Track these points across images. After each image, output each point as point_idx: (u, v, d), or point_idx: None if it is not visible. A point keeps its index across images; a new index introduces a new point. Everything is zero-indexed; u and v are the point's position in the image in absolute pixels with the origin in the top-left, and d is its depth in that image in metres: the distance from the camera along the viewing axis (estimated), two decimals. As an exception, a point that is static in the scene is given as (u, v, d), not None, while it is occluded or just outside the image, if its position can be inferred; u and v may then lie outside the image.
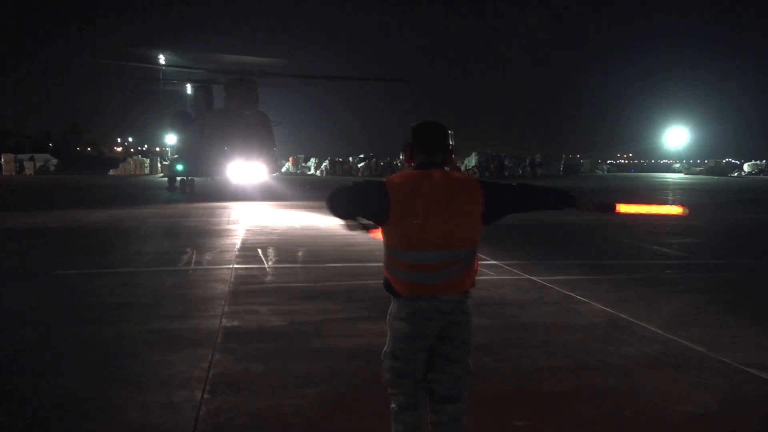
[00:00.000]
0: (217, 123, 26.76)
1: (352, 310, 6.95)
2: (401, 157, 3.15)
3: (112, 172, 64.67)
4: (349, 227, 3.12)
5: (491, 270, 9.34)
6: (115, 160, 79.55)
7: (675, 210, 3.83)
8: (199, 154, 27.47)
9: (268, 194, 25.61)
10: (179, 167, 29.79)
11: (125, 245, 12.23)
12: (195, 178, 29.40)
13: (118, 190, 32.63)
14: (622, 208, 3.43)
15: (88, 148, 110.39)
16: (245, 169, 25.80)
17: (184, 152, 30.36)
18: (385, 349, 3.05)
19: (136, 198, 26.59)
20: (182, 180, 29.20)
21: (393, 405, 3.05)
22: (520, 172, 62.36)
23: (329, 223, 14.63)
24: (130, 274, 9.22)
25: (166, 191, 30.35)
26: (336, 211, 3.03)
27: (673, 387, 4.67)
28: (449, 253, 2.88)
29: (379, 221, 2.94)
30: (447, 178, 2.92)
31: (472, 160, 65.31)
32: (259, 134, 26.13)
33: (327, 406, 4.29)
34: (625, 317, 6.67)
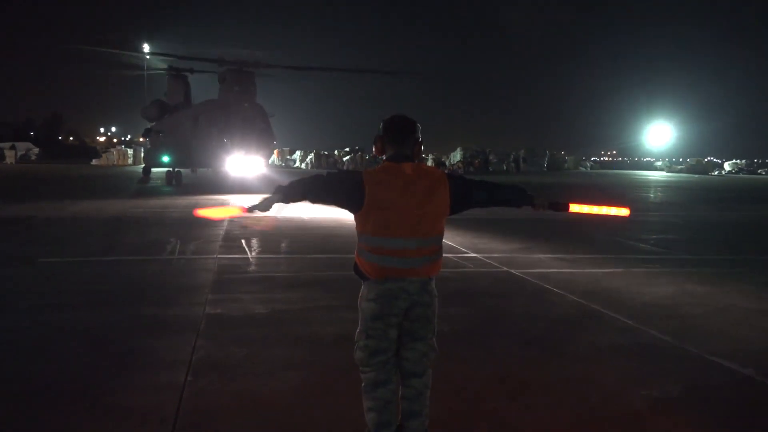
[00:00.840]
0: (215, 114, 26.34)
1: (333, 299, 7.10)
2: (373, 150, 3.35)
3: (95, 162, 64.15)
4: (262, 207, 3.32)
5: (471, 262, 9.53)
6: (97, 150, 78.76)
7: (621, 212, 4.01)
8: (192, 146, 27.08)
9: (271, 186, 25.54)
10: (165, 158, 29.14)
11: (120, 237, 12.26)
12: (181, 170, 29.15)
13: (105, 181, 32.36)
14: (574, 207, 3.60)
15: (70, 138, 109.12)
16: (245, 161, 25.59)
17: (169, 143, 29.64)
18: (357, 330, 3.28)
19: (125, 190, 25.95)
20: (169, 172, 28.89)
21: (364, 384, 3.26)
22: (505, 167, 62.81)
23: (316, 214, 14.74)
24: (118, 262, 9.30)
25: (137, 183, 29.77)
26: (291, 193, 3.24)
27: (638, 374, 4.88)
28: (418, 241, 3.12)
29: (353, 208, 3.15)
30: (417, 170, 3.16)
31: (456, 156, 65.63)
32: (261, 127, 25.90)
33: (308, 389, 4.44)
34: (597, 308, 6.89)
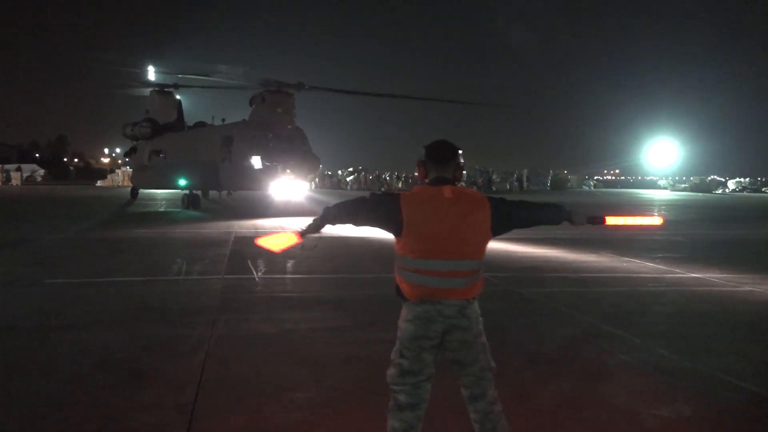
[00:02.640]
0: (257, 136, 24.70)
1: (340, 320, 7.10)
2: (416, 173, 3.42)
3: (100, 183, 64.40)
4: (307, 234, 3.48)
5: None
6: (103, 171, 79.14)
7: (654, 221, 4.16)
8: (225, 168, 25.41)
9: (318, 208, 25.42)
10: (180, 181, 27.71)
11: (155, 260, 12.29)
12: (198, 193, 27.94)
13: (120, 205, 31.82)
14: (610, 220, 3.77)
15: (75, 159, 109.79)
16: (291, 184, 24.28)
17: (179, 164, 27.98)
18: (394, 348, 3.28)
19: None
20: (186, 195, 27.37)
21: (392, 402, 3.22)
22: (508, 187, 62.84)
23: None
24: (127, 283, 9.32)
25: (125, 205, 28.95)
26: (349, 220, 3.33)
27: (649, 392, 4.86)
28: (456, 263, 3.15)
29: (392, 230, 3.22)
30: (457, 193, 3.21)
31: (460, 175, 65.74)
32: (305, 149, 24.98)
33: (315, 410, 4.44)
34: (608, 328, 6.87)
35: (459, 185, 3.28)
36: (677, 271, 11.18)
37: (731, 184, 74.95)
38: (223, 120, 28.48)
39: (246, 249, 13.21)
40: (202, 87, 32.83)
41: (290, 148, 24.48)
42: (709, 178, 77.23)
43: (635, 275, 10.65)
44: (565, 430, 4.18)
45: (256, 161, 24.40)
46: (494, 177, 65.14)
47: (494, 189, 60.19)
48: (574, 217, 3.52)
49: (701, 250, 14.53)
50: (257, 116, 25.81)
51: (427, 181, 3.31)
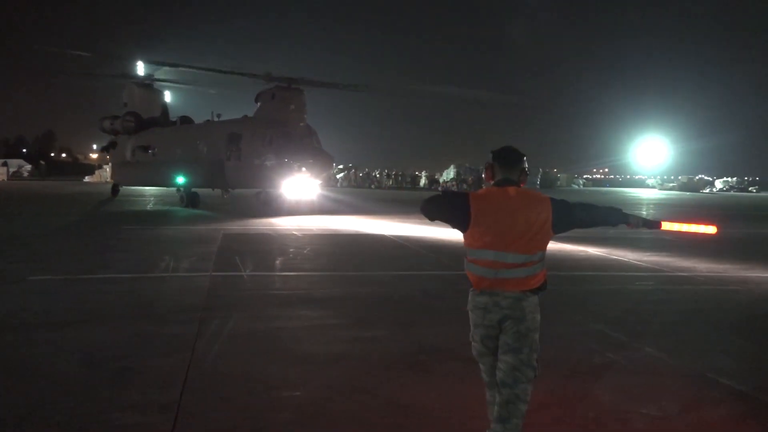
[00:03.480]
0: (269, 133, 23.82)
1: (328, 318, 7.07)
2: (483, 175, 3.71)
3: (87, 178, 63.91)
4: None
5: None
6: (91, 167, 78.49)
7: (709, 230, 4.15)
8: (233, 166, 24.60)
9: (348, 207, 25.78)
10: (178, 178, 26.54)
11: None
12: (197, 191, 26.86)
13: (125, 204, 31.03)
14: (666, 225, 3.94)
15: (63, 155, 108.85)
16: (305, 182, 23.68)
17: (176, 161, 26.82)
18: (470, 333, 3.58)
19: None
20: (184, 193, 26.48)
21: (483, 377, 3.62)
22: (498, 185, 62.96)
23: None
24: (111, 280, 9.22)
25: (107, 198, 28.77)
26: (427, 214, 3.60)
27: (635, 390, 4.86)
28: (517, 256, 3.37)
29: (461, 226, 3.48)
30: (520, 194, 3.48)
31: (450, 173, 65.85)
32: (318, 147, 24.37)
33: (304, 409, 4.40)
34: (599, 327, 6.87)
35: (521, 187, 3.55)
36: (665, 269, 11.24)
37: (718, 184, 75.63)
38: (219, 116, 27.66)
39: (236, 245, 13.14)
40: (183, 83, 32.14)
41: (304, 145, 23.86)
42: (697, 178, 77.89)
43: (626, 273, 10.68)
44: (551, 428, 4.16)
45: (269, 159, 23.60)
46: (484, 175, 65.28)
47: (483, 187, 60.30)
48: (631, 220, 3.72)
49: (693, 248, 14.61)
50: (267, 113, 24.82)
51: (492, 183, 3.61)
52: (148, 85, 31.82)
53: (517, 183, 3.55)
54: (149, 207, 26.98)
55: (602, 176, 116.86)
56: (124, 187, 32.56)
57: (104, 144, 33.50)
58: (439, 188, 61.31)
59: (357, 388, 4.79)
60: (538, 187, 67.40)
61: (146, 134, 29.85)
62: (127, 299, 7.84)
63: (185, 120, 30.65)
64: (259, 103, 25.53)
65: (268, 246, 13.59)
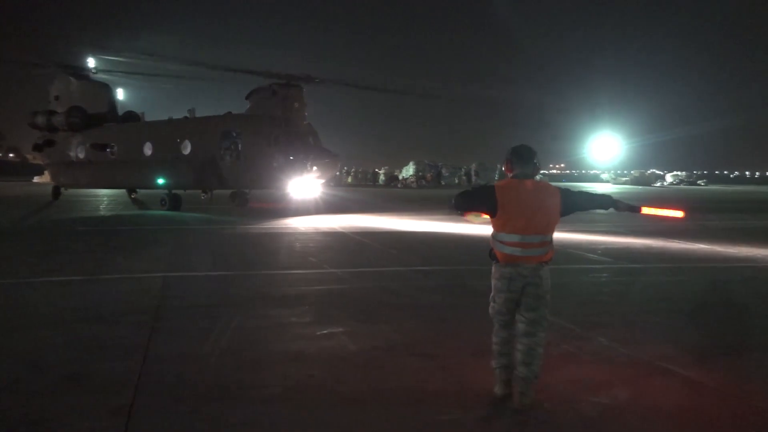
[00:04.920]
0: (274, 132, 22.74)
1: (287, 316, 7.01)
2: (503, 168, 4.73)
3: (37, 179, 61.91)
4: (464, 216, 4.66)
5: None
6: (40, 167, 75.92)
7: (677, 214, 5.06)
8: (227, 166, 23.27)
9: (361, 205, 25.06)
10: (159, 180, 24.41)
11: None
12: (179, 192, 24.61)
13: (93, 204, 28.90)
14: (645, 210, 4.93)
15: (11, 155, 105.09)
16: (311, 182, 22.97)
17: (146, 161, 25.03)
18: (491, 295, 4.51)
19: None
20: (168, 194, 24.20)
21: (495, 326, 4.56)
22: (456, 181, 63.50)
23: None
24: (64, 283, 8.97)
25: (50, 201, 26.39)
26: (459, 207, 4.48)
27: (586, 378, 4.96)
28: (534, 237, 4.30)
29: (490, 212, 4.35)
30: (535, 185, 4.38)
31: (409, 169, 66.01)
32: (321, 146, 23.62)
33: (257, 413, 4.36)
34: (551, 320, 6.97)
35: (535, 179, 4.43)
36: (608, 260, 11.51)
37: (669, 177, 77.80)
38: (191, 111, 25.72)
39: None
40: (134, 75, 29.80)
41: (312, 144, 23.18)
42: (649, 172, 79.96)
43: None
44: (505, 418, 4.22)
45: (278, 158, 22.46)
46: (443, 171, 65.72)
47: (443, 183, 60.71)
48: (619, 205, 4.73)
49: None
50: (267, 110, 23.58)
51: (511, 175, 4.44)
52: (84, 76, 28.38)
53: (531, 176, 4.41)
54: (130, 211, 24.14)
55: (559, 171, 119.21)
56: (71, 190, 29.49)
57: (37, 142, 29.05)
58: (398, 185, 61.46)
59: (316, 386, 4.77)
60: (496, 182, 68.27)
61: (101, 132, 27.07)
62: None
63: (131, 116, 28.50)
64: (253, 100, 24.43)
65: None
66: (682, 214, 5.02)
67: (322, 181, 24.01)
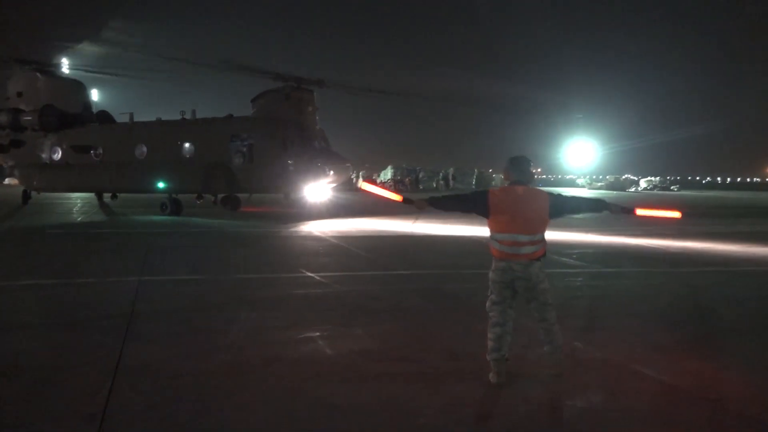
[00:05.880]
0: (290, 135, 22.30)
1: (261, 320, 6.98)
2: (502, 176, 5.37)
3: (8, 180, 60.65)
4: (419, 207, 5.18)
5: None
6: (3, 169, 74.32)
7: (675, 214, 5.38)
8: (242, 169, 22.47)
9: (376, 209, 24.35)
10: (158, 183, 23.25)
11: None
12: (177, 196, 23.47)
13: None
14: (639, 211, 5.30)
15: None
16: (326, 185, 22.94)
17: (147, 163, 23.66)
18: (489, 290, 5.06)
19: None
20: (170, 199, 23.02)
21: (490, 322, 5.00)
22: (434, 185, 63.72)
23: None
24: (38, 286, 8.82)
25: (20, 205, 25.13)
26: (447, 207, 5.22)
27: (559, 384, 5.02)
28: (525, 236, 4.82)
29: (483, 214, 4.93)
30: (526, 190, 4.92)
31: (387, 173, 66.06)
32: (335, 151, 23.46)
33: (233, 414, 4.33)
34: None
35: (529, 185, 4.95)
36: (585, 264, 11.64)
37: (643, 183, 78.91)
38: (184, 113, 24.43)
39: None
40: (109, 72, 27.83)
41: (327, 149, 23.03)
42: (623, 177, 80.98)
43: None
44: (485, 422, 4.25)
45: (297, 162, 22.10)
46: (421, 175, 65.89)
47: (421, 187, 60.85)
48: (612, 208, 5.10)
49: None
50: (277, 113, 23.02)
51: (508, 182, 4.98)
52: (51, 72, 26.40)
53: (526, 183, 4.95)
54: (139, 216, 22.42)
55: (536, 176, 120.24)
56: (42, 193, 27.78)
57: (1, 142, 26.18)
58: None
59: (292, 389, 4.75)
60: (473, 186, 68.74)
61: (82, 132, 25.24)
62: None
63: (105, 116, 26.98)
64: (261, 103, 23.89)
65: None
66: (679, 215, 5.29)
67: (335, 185, 23.86)
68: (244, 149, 22.53)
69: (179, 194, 23.57)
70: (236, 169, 22.57)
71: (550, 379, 5.00)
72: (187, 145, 23.40)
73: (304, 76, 23.49)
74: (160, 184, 23.41)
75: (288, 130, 22.50)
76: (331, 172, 22.55)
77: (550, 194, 4.91)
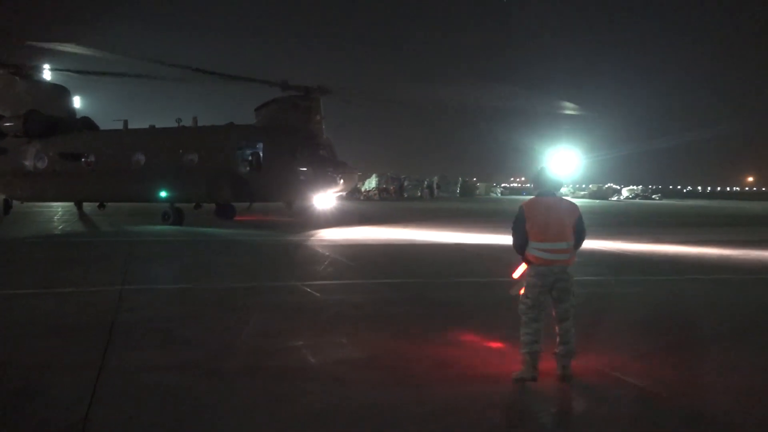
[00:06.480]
0: (301, 143, 22.17)
1: (241, 328, 6.97)
2: (531, 186, 5.67)
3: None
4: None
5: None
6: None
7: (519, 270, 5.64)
8: (251, 177, 22.04)
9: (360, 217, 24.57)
10: (161, 192, 22.27)
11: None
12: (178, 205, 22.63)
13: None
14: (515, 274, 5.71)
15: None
16: (330, 194, 22.82)
17: (146, 171, 22.74)
18: (522, 293, 5.41)
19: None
20: (172, 208, 22.15)
21: (523, 320, 5.35)
22: (419, 194, 63.83)
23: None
24: (16, 296, 8.72)
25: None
26: (516, 241, 5.48)
27: (543, 390, 5.07)
28: (559, 244, 5.30)
29: (527, 227, 5.34)
30: (556, 201, 5.49)
31: (372, 182, 66.08)
32: (342, 160, 23.38)
33: (216, 423, 4.32)
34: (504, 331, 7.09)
35: (557, 195, 5.52)
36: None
37: (625, 192, 79.58)
38: (180, 122, 23.58)
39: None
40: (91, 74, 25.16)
41: (332, 157, 22.90)
42: (606, 186, 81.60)
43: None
44: (469, 428, 4.28)
45: (303, 171, 21.91)
46: (406, 184, 66.00)
47: (405, 196, 60.93)
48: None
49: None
50: (284, 122, 22.84)
51: (537, 192, 5.51)
52: (30, 76, 25.07)
53: (553, 193, 5.49)
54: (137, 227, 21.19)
55: (519, 185, 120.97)
56: (24, 203, 26.16)
57: None
58: (361, 197, 61.52)
59: (275, 395, 4.75)
60: (458, 195, 68.96)
61: (71, 139, 24.05)
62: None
63: (88, 123, 25.76)
64: (267, 112, 23.58)
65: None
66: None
67: (343, 193, 23.90)
68: (254, 157, 22.32)
69: (178, 203, 22.80)
70: (244, 178, 22.19)
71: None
72: (191, 152, 22.78)
73: (311, 85, 23.27)
74: (162, 193, 22.43)
75: (299, 138, 22.33)
76: (342, 181, 22.61)
77: (578, 208, 5.51)
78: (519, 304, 5.38)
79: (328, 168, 22.25)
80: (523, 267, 5.57)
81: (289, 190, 22.46)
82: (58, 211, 28.36)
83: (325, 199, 22.80)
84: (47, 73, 26.92)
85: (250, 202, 23.64)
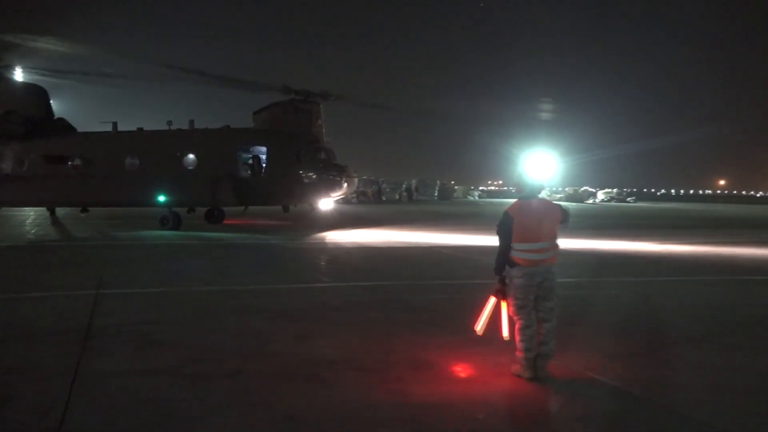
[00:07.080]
0: (303, 148, 22.20)
1: (224, 331, 6.92)
2: (514, 190, 5.85)
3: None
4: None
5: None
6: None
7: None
8: (252, 181, 22.10)
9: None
10: (160, 197, 21.55)
11: None
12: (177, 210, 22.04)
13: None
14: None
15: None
16: (332, 197, 22.93)
17: (140, 174, 21.93)
18: (511, 294, 5.51)
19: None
20: (171, 213, 21.57)
21: (518, 325, 5.46)
22: (397, 197, 63.92)
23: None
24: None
25: None
26: (501, 238, 5.57)
27: (523, 391, 5.12)
28: (543, 244, 5.46)
29: (513, 229, 5.45)
30: (540, 203, 5.64)
31: (350, 185, 66.01)
32: (344, 164, 23.41)
33: (195, 427, 4.29)
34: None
35: (540, 197, 5.68)
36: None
37: (600, 195, 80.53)
38: (170, 124, 22.76)
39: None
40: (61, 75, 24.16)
41: (334, 160, 22.89)
42: (582, 189, 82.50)
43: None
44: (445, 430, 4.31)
45: (307, 174, 22.03)
46: (384, 187, 66.05)
47: (384, 199, 60.96)
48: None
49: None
50: (285, 126, 22.69)
51: (520, 196, 5.65)
52: (6, 76, 24.03)
53: (535, 196, 5.63)
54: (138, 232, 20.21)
55: (496, 188, 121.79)
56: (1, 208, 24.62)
57: None
58: (338, 200, 61.36)
59: (254, 402, 4.73)
60: (436, 198, 69.21)
61: (56, 141, 22.89)
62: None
63: (64, 124, 24.26)
64: (267, 115, 23.47)
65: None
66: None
67: (343, 197, 24.05)
68: (254, 161, 22.40)
69: (176, 208, 22.16)
70: (246, 182, 22.03)
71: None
72: (191, 156, 22.10)
73: (312, 89, 23.28)
74: (160, 198, 21.69)
75: (302, 142, 22.37)
76: (345, 185, 22.77)
77: (559, 206, 5.68)
78: (510, 306, 5.51)
79: (330, 172, 22.32)
80: (489, 307, 5.73)
81: (292, 194, 22.47)
82: (31, 216, 27.83)
83: (327, 203, 22.96)
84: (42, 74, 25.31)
85: (246, 206, 23.60)
